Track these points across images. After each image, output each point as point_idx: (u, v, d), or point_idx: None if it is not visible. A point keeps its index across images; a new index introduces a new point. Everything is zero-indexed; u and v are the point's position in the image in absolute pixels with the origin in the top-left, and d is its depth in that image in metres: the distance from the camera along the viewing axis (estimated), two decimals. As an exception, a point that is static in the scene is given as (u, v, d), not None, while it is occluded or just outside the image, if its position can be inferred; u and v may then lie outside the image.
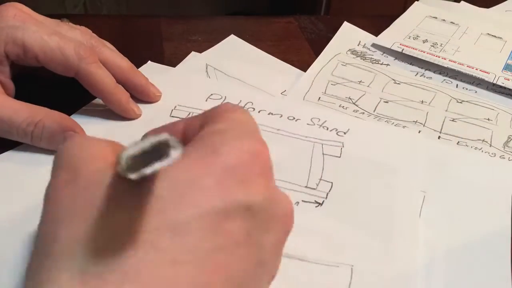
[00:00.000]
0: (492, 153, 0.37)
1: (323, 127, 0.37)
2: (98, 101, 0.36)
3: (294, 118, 0.37)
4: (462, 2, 0.64)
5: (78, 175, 0.18)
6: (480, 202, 0.32)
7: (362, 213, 0.30)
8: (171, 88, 0.39)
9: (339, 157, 0.34)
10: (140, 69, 0.40)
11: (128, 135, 0.34)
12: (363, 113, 0.40)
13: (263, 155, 0.19)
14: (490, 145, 0.38)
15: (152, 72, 0.40)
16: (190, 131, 0.21)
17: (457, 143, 0.38)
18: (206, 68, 0.44)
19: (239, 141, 0.19)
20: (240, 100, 0.39)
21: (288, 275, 0.26)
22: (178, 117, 0.36)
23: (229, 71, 0.44)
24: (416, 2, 0.61)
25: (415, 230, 0.29)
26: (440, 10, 0.59)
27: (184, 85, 0.40)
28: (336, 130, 0.36)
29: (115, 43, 0.40)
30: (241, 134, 0.19)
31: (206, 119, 0.21)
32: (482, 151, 0.37)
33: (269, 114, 0.38)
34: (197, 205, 0.16)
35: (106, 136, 0.33)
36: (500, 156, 0.37)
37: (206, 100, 0.38)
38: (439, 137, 0.39)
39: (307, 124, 0.37)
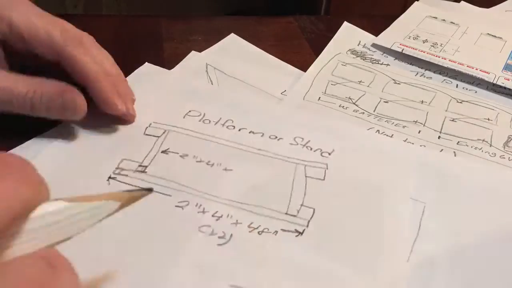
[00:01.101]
0: (492, 153, 0.37)
1: (306, 147, 0.34)
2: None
3: (276, 137, 0.35)
4: (462, 2, 0.64)
5: None
6: (481, 211, 0.31)
7: (345, 244, 0.28)
8: (149, 103, 0.37)
9: (323, 179, 0.32)
10: (136, 70, 0.40)
11: (91, 156, 0.32)
12: (363, 113, 0.40)
13: None
14: (490, 145, 0.38)
15: (146, 76, 0.40)
16: None
17: (457, 143, 0.38)
18: (206, 67, 0.44)
19: None
20: (220, 118, 0.36)
21: None
22: (152, 135, 0.34)
23: (229, 71, 0.43)
24: (416, 2, 0.61)
25: (402, 267, 0.27)
26: (440, 10, 0.59)
27: (162, 100, 0.38)
28: (321, 151, 0.34)
29: (115, 43, 0.40)
30: None
31: None
32: (482, 151, 0.37)
33: (250, 132, 0.35)
34: None
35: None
36: (500, 156, 0.37)
37: (184, 117, 0.36)
38: (439, 137, 0.39)
39: (290, 144, 0.35)
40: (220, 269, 0.26)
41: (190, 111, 0.37)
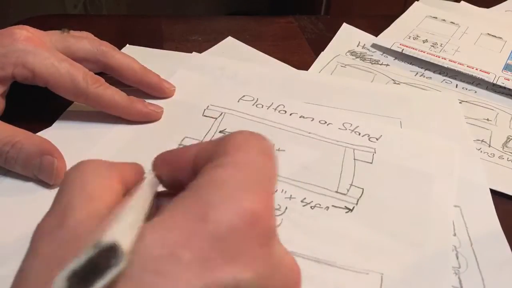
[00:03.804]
0: (490, 154, 0.37)
1: (355, 132, 0.36)
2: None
3: (325, 122, 0.37)
4: (462, 2, 0.64)
5: (64, 224, 0.16)
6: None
7: (393, 221, 0.29)
8: (205, 87, 0.40)
9: (371, 163, 0.33)
10: (188, 58, 0.40)
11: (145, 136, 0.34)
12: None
13: (263, 218, 0.16)
14: (489, 146, 0.38)
15: (198, 62, 0.43)
16: (200, 161, 0.18)
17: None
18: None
19: (237, 200, 0.15)
20: (272, 103, 0.38)
21: (316, 279, 0.25)
22: (210, 117, 0.36)
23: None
24: (416, 2, 0.61)
25: (448, 241, 0.28)
26: (440, 10, 0.59)
27: (217, 84, 0.40)
28: (368, 136, 0.36)
29: (115, 43, 0.40)
30: (243, 187, 0.16)
31: (216, 150, 0.18)
32: (481, 151, 0.37)
33: (300, 117, 0.37)
34: (172, 286, 0.14)
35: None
36: (499, 157, 0.37)
37: (238, 101, 0.38)
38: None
39: (339, 128, 0.36)
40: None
41: (244, 95, 0.39)
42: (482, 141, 0.39)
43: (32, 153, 0.29)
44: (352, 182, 0.32)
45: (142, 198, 0.17)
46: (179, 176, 0.19)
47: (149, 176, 0.20)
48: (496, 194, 0.33)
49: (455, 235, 0.29)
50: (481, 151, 0.37)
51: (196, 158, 0.19)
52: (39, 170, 0.29)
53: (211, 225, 0.15)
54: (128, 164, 0.21)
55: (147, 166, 0.31)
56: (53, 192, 0.24)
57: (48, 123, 0.35)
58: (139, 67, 0.38)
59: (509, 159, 0.37)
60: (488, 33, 0.55)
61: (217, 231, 0.15)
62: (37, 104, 0.37)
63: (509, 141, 0.39)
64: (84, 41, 0.36)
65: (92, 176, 0.18)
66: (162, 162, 0.20)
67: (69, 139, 0.33)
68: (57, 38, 0.35)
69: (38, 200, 0.28)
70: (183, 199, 0.16)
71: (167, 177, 0.20)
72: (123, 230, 0.14)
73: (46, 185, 0.29)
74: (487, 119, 0.41)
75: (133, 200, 0.17)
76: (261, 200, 0.16)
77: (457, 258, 0.28)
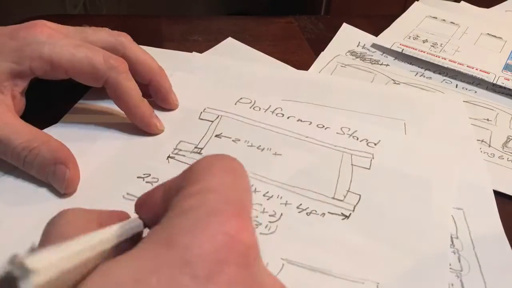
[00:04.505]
0: (491, 154, 0.37)
1: (353, 136, 0.35)
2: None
3: (323, 126, 0.36)
4: (462, 2, 0.64)
5: None
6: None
7: (390, 228, 0.28)
8: (202, 89, 0.39)
9: (369, 169, 0.33)
10: (188, 59, 0.39)
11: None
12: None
13: (238, 238, 0.15)
14: (489, 146, 0.38)
15: (198, 63, 0.42)
16: (170, 196, 0.18)
17: (457, 143, 0.38)
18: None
19: (207, 223, 0.15)
20: (270, 105, 0.38)
21: None
22: (206, 120, 0.36)
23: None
24: (416, 2, 0.61)
25: (446, 250, 0.28)
26: (440, 10, 0.59)
27: (214, 86, 0.40)
28: (367, 141, 0.35)
29: (115, 43, 0.40)
30: (213, 210, 0.15)
31: (183, 181, 0.17)
32: (481, 151, 0.37)
33: (298, 120, 0.37)
34: None
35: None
36: (499, 157, 0.37)
37: (235, 104, 0.38)
38: (438, 137, 0.39)
39: (337, 133, 0.36)
40: (273, 243, 0.27)
41: (241, 98, 0.38)
42: (482, 141, 0.39)
43: (46, 161, 0.29)
44: (349, 188, 0.31)
45: (101, 234, 0.17)
46: (154, 216, 0.19)
47: (132, 217, 0.20)
48: (496, 195, 0.33)
49: (457, 238, 0.29)
50: (481, 151, 0.37)
51: (165, 195, 0.19)
52: (52, 178, 0.29)
53: (179, 250, 0.14)
54: (110, 212, 0.20)
55: (140, 171, 0.31)
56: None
57: (48, 124, 0.35)
58: (157, 67, 0.36)
59: (509, 159, 0.37)
60: (488, 33, 0.55)
61: (186, 255, 0.14)
62: (39, 105, 0.37)
63: (509, 141, 0.39)
64: (102, 32, 0.35)
65: (70, 227, 0.17)
66: (140, 203, 0.20)
67: (70, 138, 0.33)
68: (74, 30, 0.34)
69: (41, 201, 0.28)
70: (152, 231, 0.16)
71: (147, 219, 0.19)
72: (47, 256, 0.13)
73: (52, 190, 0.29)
74: (487, 119, 0.41)
75: (86, 235, 0.16)
76: (235, 220, 0.15)
77: (459, 261, 0.28)
